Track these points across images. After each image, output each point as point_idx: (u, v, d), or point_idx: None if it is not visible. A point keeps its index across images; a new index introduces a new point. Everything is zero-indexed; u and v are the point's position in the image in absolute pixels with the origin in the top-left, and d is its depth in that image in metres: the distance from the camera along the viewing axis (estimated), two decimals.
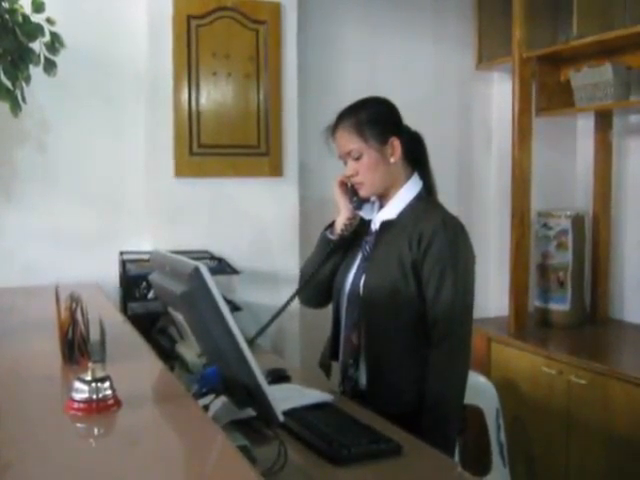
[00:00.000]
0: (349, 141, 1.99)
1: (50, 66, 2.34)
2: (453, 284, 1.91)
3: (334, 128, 2.04)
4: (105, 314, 1.79)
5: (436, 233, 1.92)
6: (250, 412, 1.63)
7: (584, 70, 3.09)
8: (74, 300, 1.60)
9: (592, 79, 3.04)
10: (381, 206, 2.08)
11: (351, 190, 2.06)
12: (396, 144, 2.00)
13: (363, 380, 2.02)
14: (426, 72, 3.49)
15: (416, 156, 2.08)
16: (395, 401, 1.96)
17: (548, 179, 3.50)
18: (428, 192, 2.08)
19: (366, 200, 2.07)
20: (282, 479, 1.46)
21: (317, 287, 2.14)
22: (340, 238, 2.08)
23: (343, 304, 2.07)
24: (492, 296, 3.55)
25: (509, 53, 3.27)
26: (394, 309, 1.95)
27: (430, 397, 1.90)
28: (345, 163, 2.04)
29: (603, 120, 3.39)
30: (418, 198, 2.04)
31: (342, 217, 2.08)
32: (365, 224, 2.11)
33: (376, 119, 2.01)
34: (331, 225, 2.13)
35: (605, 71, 2.98)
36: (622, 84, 2.99)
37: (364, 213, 2.09)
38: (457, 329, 1.94)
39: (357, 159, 1.99)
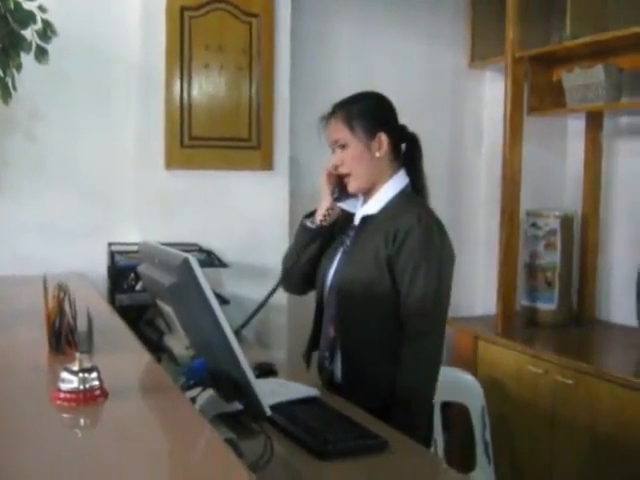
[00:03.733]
0: (338, 130, 2.03)
1: (42, 54, 2.32)
2: (425, 281, 1.92)
3: (327, 118, 2.07)
4: (93, 305, 1.79)
5: (411, 229, 1.93)
6: (237, 406, 1.63)
7: (576, 71, 3.10)
8: (62, 290, 1.59)
9: (584, 80, 3.05)
10: (364, 201, 2.10)
11: (336, 181, 2.07)
12: (383, 139, 2.01)
13: (339, 373, 2.03)
14: (419, 70, 3.48)
15: (409, 157, 2.09)
16: (368, 395, 1.96)
17: (538, 179, 3.51)
18: (416, 192, 2.08)
19: (350, 194, 2.08)
20: (268, 473, 1.46)
21: (297, 275, 2.16)
22: (318, 227, 2.10)
23: (325, 296, 2.09)
24: (480, 294, 3.57)
25: (502, 52, 3.28)
26: (369, 304, 1.97)
27: (399, 392, 1.91)
28: (333, 152, 2.07)
29: (594, 121, 3.40)
30: (401, 195, 2.05)
31: (322, 207, 2.11)
32: (350, 218, 2.12)
33: (367, 113, 2.03)
34: (312, 214, 2.15)
35: (597, 72, 2.99)
36: (614, 86, 3.00)
37: (347, 206, 2.11)
38: (428, 326, 1.95)
39: (343, 148, 2.02)
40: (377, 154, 2.02)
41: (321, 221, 2.10)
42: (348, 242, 2.07)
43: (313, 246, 2.13)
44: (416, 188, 2.09)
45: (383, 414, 1.83)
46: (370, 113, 2.04)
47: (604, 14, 3.01)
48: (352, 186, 2.05)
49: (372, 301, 1.97)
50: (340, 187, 2.07)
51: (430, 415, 2.05)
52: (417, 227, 1.93)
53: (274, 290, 2.04)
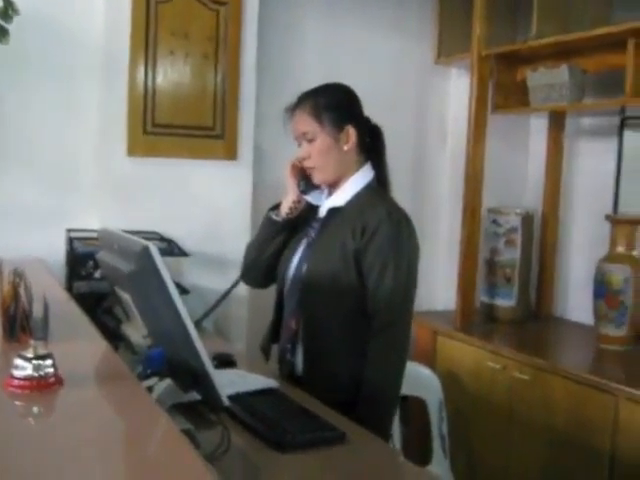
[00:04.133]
0: (305, 123, 2.00)
1: (2, 33, 2.28)
2: (394, 276, 1.92)
3: (293, 109, 2.04)
4: (50, 292, 1.75)
5: (380, 224, 1.93)
6: (194, 396, 1.61)
7: (540, 70, 3.13)
8: (17, 275, 1.56)
9: (548, 80, 3.08)
10: (330, 193, 2.09)
11: (302, 174, 2.06)
12: (351, 132, 2.00)
13: (300, 366, 2.02)
14: (385, 63, 3.48)
15: (373, 149, 2.08)
16: (329, 388, 1.96)
17: (500, 176, 3.54)
18: (380, 185, 2.08)
19: (315, 185, 2.07)
20: (225, 464, 1.45)
21: (260, 268, 2.14)
22: (285, 220, 2.08)
23: (286, 289, 2.08)
24: (440, 289, 3.59)
25: (468, 50, 3.29)
26: (333, 297, 1.96)
27: (366, 387, 1.91)
28: (299, 145, 2.05)
29: (556, 121, 3.44)
30: (367, 188, 2.04)
31: (288, 199, 2.08)
32: (313, 209, 2.11)
33: (335, 105, 2.01)
34: (277, 206, 2.13)
35: (561, 73, 3.02)
36: (577, 86, 3.03)
37: (312, 198, 2.10)
38: (396, 321, 1.95)
39: (310, 141, 2.00)
40: (345, 147, 2.01)
41: (287, 213, 2.08)
42: (313, 234, 2.06)
43: (277, 239, 2.11)
44: (380, 181, 2.08)
45: (344, 408, 1.83)
46: (338, 105, 2.02)
47: (569, 15, 3.04)
48: (318, 178, 2.04)
49: (336, 294, 1.96)
50: (305, 179, 2.06)
51: (404, 409, 2.06)
52: (386, 222, 1.93)
53: (236, 283, 2.02)
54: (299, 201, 2.08)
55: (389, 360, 1.95)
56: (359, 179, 2.04)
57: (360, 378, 1.92)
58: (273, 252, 2.12)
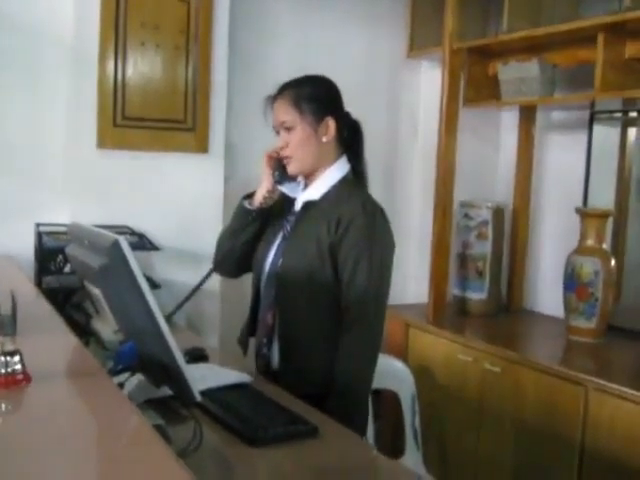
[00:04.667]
0: (285, 112, 2.00)
1: None
2: (368, 269, 1.92)
3: (274, 98, 2.04)
4: (18, 287, 1.72)
5: (355, 217, 1.93)
6: (166, 391, 1.60)
7: (511, 64, 3.14)
8: None
9: (519, 74, 3.10)
10: (305, 186, 2.08)
11: (278, 164, 2.05)
12: (330, 124, 2.01)
13: (276, 359, 2.02)
14: (358, 56, 3.48)
15: (351, 144, 2.08)
16: (305, 382, 1.96)
17: (472, 170, 3.56)
18: (357, 178, 2.08)
19: (291, 177, 2.06)
20: (197, 459, 1.44)
21: (232, 258, 2.13)
22: (258, 209, 2.07)
23: (262, 282, 2.07)
24: (412, 283, 3.60)
25: (440, 43, 3.30)
26: (309, 291, 1.96)
27: (338, 381, 1.91)
28: (277, 133, 2.04)
29: (527, 115, 3.47)
30: (343, 181, 2.04)
31: (262, 188, 2.07)
32: (289, 202, 2.10)
33: (316, 96, 2.01)
34: (250, 195, 2.12)
35: (532, 67, 3.04)
36: (547, 81, 3.05)
37: (287, 190, 2.09)
38: (369, 314, 1.95)
39: (289, 130, 2.00)
40: (324, 139, 2.01)
41: (261, 203, 2.07)
42: (288, 227, 2.05)
43: (250, 228, 2.10)
44: (357, 175, 2.08)
45: (320, 402, 1.83)
46: (320, 97, 2.02)
47: (540, 10, 3.06)
48: (294, 168, 2.03)
49: (312, 288, 1.95)
50: (281, 170, 2.05)
51: (376, 402, 2.06)
52: (362, 215, 1.93)
53: (208, 275, 2.01)
54: (273, 191, 2.07)
55: (360, 355, 1.95)
56: (335, 172, 2.04)
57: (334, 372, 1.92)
58: (245, 241, 2.10)
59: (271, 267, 2.04)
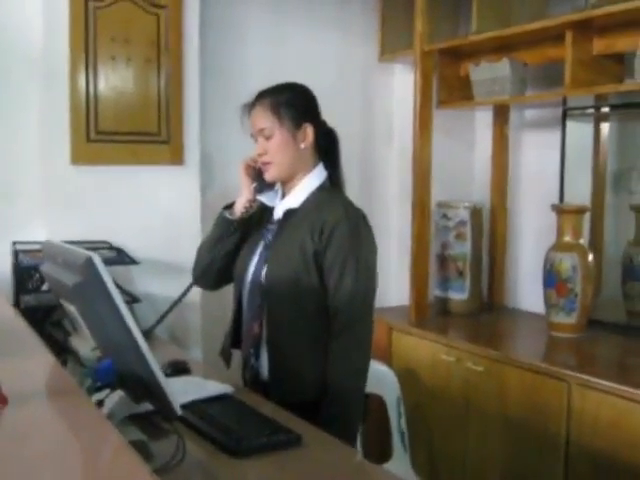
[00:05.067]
0: (263, 119, 2.00)
1: None
2: (354, 275, 1.92)
3: (252, 105, 2.04)
4: None
5: (338, 223, 1.93)
6: (147, 406, 1.60)
7: (483, 65, 3.16)
8: None
9: (490, 74, 3.12)
10: (284, 195, 2.08)
11: (256, 173, 2.05)
12: (309, 131, 2.01)
13: (264, 370, 2.01)
14: (329, 61, 3.48)
15: (328, 152, 2.09)
16: (296, 391, 1.96)
17: (448, 171, 3.57)
18: (333, 186, 2.09)
19: (268, 185, 2.07)
20: (181, 473, 1.44)
21: (208, 267, 2.11)
22: (239, 219, 2.07)
23: (245, 292, 2.06)
24: (393, 285, 3.60)
25: (411, 46, 3.32)
26: (296, 299, 1.95)
27: (330, 388, 1.91)
28: (256, 141, 2.04)
29: (500, 114, 3.49)
30: (321, 188, 2.05)
31: (243, 198, 2.07)
32: (267, 211, 2.10)
33: (294, 102, 2.02)
34: (230, 206, 2.11)
35: (503, 66, 3.06)
36: (519, 80, 3.08)
37: (266, 199, 2.09)
38: (358, 320, 1.95)
39: (268, 138, 2.00)
40: (302, 145, 2.01)
41: (242, 213, 2.07)
42: (270, 236, 2.04)
43: (232, 239, 2.09)
44: (333, 182, 2.09)
45: (312, 410, 1.83)
46: (298, 103, 2.03)
47: (509, 10, 3.09)
48: (271, 174, 2.02)
49: (299, 296, 1.95)
50: (259, 179, 2.05)
51: (363, 407, 2.05)
52: (345, 221, 1.94)
53: (188, 289, 1.99)
54: (253, 200, 2.07)
55: (351, 360, 1.95)
56: (313, 179, 2.05)
57: (325, 379, 1.92)
58: (226, 252, 2.10)
59: (254, 276, 2.03)
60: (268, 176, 2.03)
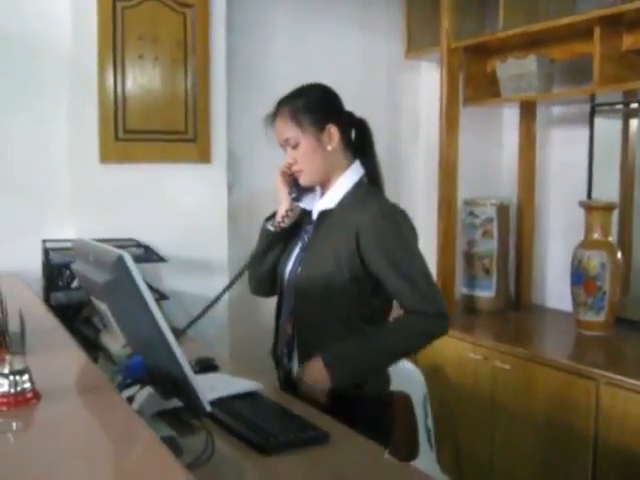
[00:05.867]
0: (286, 129, 1.98)
1: None
2: (413, 267, 1.91)
3: (273, 116, 2.02)
4: (26, 304, 1.74)
5: (375, 224, 1.90)
6: (176, 402, 1.61)
7: (509, 61, 3.14)
8: None
9: (517, 70, 3.10)
10: (322, 194, 2.06)
11: (292, 180, 2.03)
12: (333, 131, 1.98)
13: (295, 369, 2.00)
14: (355, 59, 3.48)
15: (360, 143, 2.06)
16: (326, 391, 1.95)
17: (474, 168, 3.55)
18: (372, 180, 2.06)
19: (306, 190, 2.05)
20: (210, 469, 1.45)
21: (261, 278, 2.13)
22: (280, 230, 2.06)
23: (284, 293, 2.06)
24: None
25: (437, 43, 3.31)
26: (327, 301, 1.94)
27: (361, 340, 1.93)
28: (285, 151, 2.02)
29: (527, 111, 3.47)
30: (357, 186, 2.01)
31: (282, 208, 2.06)
32: (308, 212, 2.08)
33: (312, 106, 1.98)
34: (273, 216, 2.10)
35: (529, 63, 3.04)
36: (546, 76, 3.05)
37: (305, 204, 2.06)
38: (439, 310, 1.93)
39: (295, 147, 1.98)
40: (329, 147, 1.98)
41: (280, 222, 2.05)
42: (306, 238, 2.03)
43: (276, 250, 2.09)
44: (371, 176, 2.05)
45: (340, 409, 1.82)
46: (316, 106, 1.99)
47: (536, 6, 3.07)
48: (304, 180, 2.01)
49: (330, 297, 1.94)
50: (297, 186, 2.03)
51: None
52: (381, 220, 1.91)
53: (222, 294, 2.00)
54: (292, 209, 2.05)
55: (407, 339, 1.96)
56: (348, 178, 2.02)
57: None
58: (271, 262, 2.10)
59: (289, 277, 2.03)
60: (303, 182, 2.02)
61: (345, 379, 1.91)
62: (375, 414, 1.96)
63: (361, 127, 2.07)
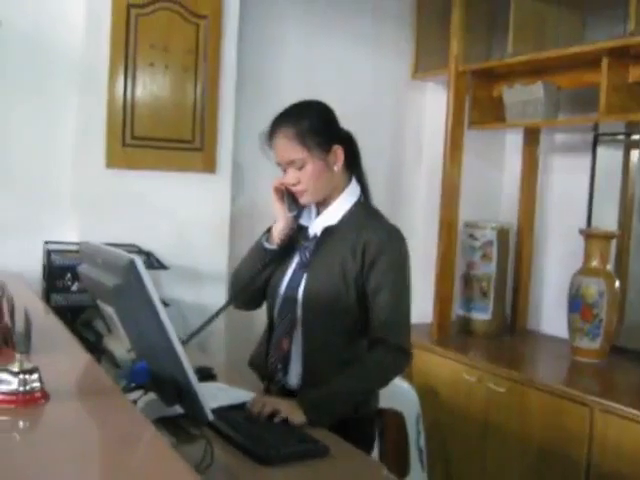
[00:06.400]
0: (292, 151, 1.93)
1: None
2: (401, 299, 1.96)
3: (271, 135, 1.98)
4: (29, 305, 1.74)
5: (383, 245, 1.92)
6: (177, 410, 1.61)
7: (516, 87, 3.17)
8: (0, 289, 1.54)
9: (523, 96, 3.13)
10: (319, 212, 2.05)
11: (289, 196, 2.00)
12: (339, 152, 1.97)
13: (292, 382, 1.99)
14: (363, 77, 3.51)
15: (350, 157, 2.04)
16: None
17: (476, 191, 3.58)
18: (364, 194, 2.07)
19: (303, 206, 2.03)
20: (208, 479, 1.45)
21: (252, 293, 2.11)
22: (277, 249, 2.04)
23: (276, 308, 2.04)
24: (416, 303, 3.52)
25: (445, 65, 3.34)
26: (333, 315, 1.95)
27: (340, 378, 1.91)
28: (284, 170, 1.99)
29: (531, 136, 3.50)
30: (357, 204, 2.02)
31: (280, 225, 2.03)
32: (301, 228, 2.07)
33: (318, 128, 1.95)
34: (268, 231, 2.08)
35: (536, 89, 3.07)
36: (552, 103, 3.08)
37: (303, 220, 2.05)
38: (404, 345, 1.98)
39: (300, 168, 1.95)
40: (335, 168, 1.97)
41: (281, 240, 2.03)
42: (307, 253, 2.01)
43: (272, 267, 2.06)
44: (364, 192, 2.07)
45: (342, 426, 1.81)
46: (321, 127, 1.96)
47: (544, 33, 3.10)
48: (306, 199, 1.99)
49: (335, 313, 1.94)
50: (295, 203, 2.00)
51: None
52: (389, 242, 1.94)
53: (223, 309, 2.00)
54: (290, 227, 2.03)
55: (376, 375, 1.96)
56: (349, 196, 2.02)
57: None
58: (265, 279, 2.08)
59: (286, 293, 2.01)
60: (304, 201, 2.00)
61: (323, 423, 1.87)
62: (357, 433, 1.93)
63: (349, 140, 2.05)
